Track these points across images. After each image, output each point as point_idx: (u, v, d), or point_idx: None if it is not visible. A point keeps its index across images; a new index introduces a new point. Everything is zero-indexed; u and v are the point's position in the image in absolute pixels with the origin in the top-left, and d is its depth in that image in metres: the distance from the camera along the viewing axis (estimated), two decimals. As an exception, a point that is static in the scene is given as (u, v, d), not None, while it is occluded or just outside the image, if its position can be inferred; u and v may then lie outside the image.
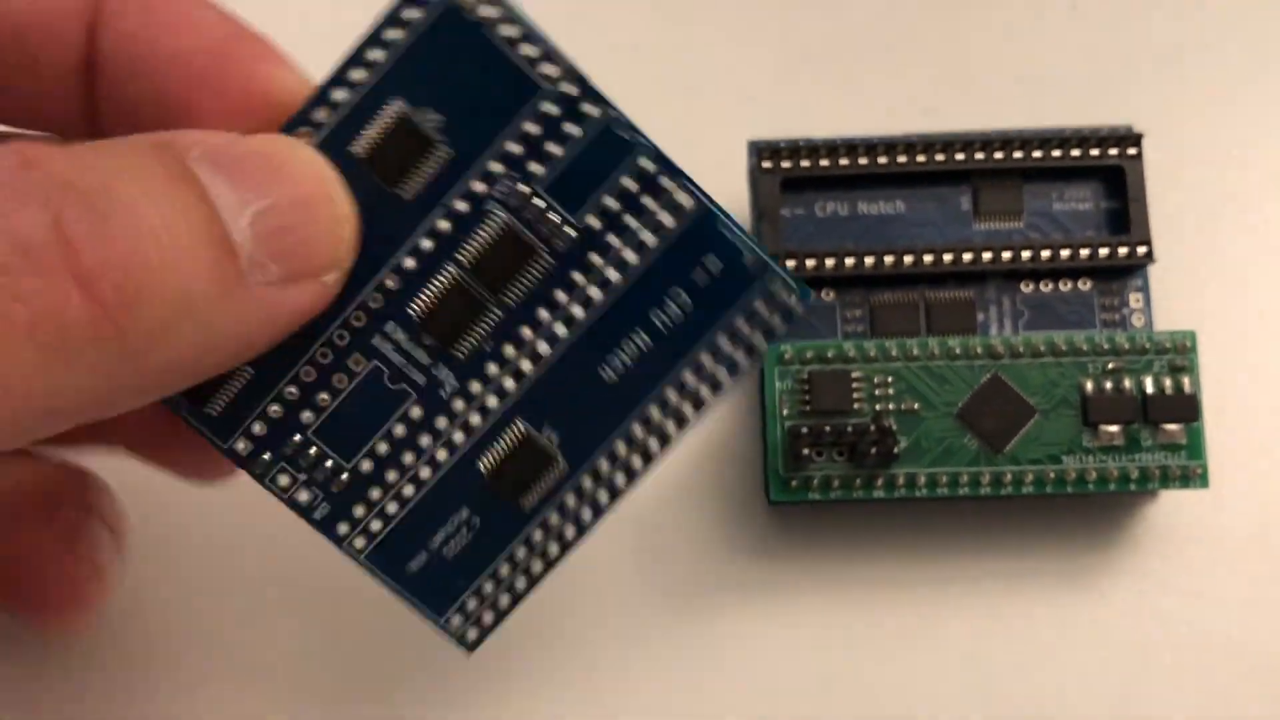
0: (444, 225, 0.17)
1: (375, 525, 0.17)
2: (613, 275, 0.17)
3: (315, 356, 0.17)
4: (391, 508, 0.17)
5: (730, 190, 0.25)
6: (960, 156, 0.23)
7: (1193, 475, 0.22)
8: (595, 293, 0.17)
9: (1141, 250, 0.23)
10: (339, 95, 0.16)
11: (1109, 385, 0.22)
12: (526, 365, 0.17)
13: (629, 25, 0.28)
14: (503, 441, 0.17)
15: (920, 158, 0.23)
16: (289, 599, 0.23)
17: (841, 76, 0.27)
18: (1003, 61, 0.26)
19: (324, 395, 0.17)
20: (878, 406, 0.22)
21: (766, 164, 0.23)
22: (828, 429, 0.21)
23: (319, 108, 0.16)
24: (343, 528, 0.17)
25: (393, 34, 0.16)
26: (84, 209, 0.13)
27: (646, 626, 0.23)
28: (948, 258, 0.23)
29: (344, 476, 0.17)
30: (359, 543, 0.17)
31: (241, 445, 0.17)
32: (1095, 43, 0.26)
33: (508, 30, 0.16)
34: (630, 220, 0.17)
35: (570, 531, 0.17)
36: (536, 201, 0.17)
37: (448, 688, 0.22)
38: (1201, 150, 0.26)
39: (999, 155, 0.23)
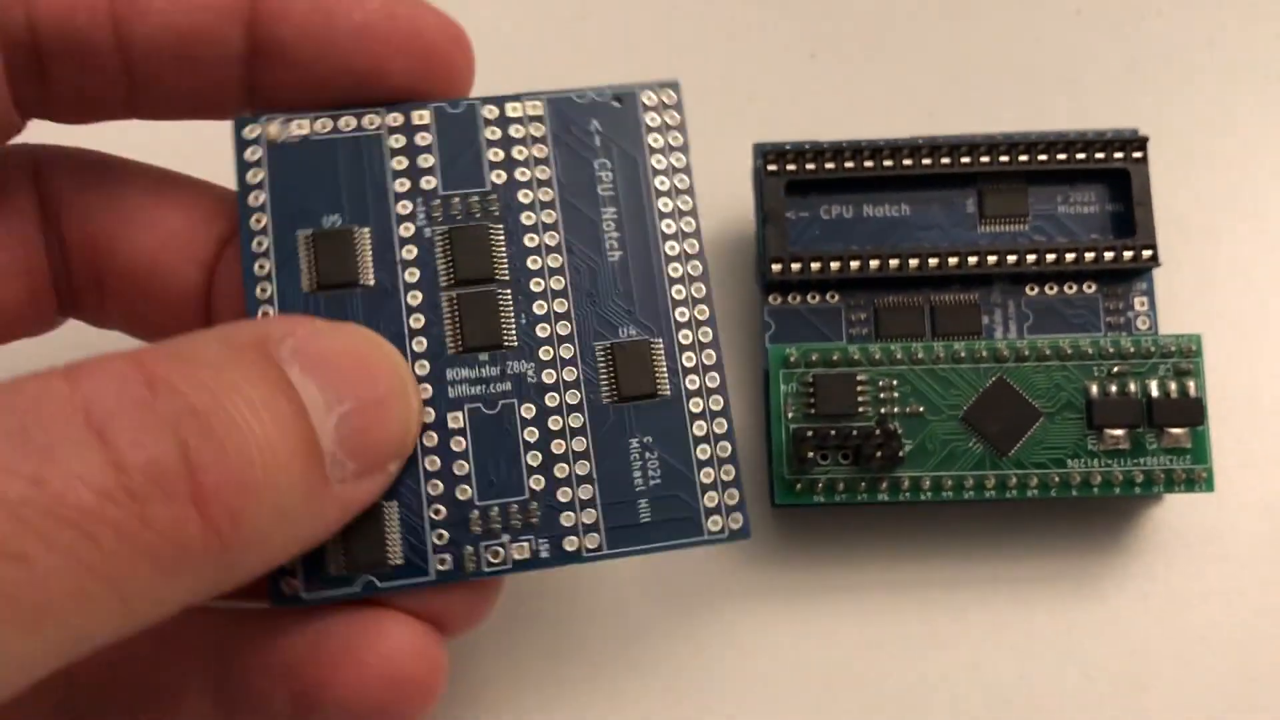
0: (412, 275, 0.18)
1: (588, 518, 0.18)
2: (545, 194, 0.19)
3: (424, 446, 0.18)
4: (585, 493, 0.18)
5: (735, 193, 0.25)
6: (965, 160, 0.23)
7: (1198, 479, 0.22)
8: (548, 215, 0.19)
9: (1146, 253, 0.23)
10: (260, 262, 0.18)
11: (1114, 389, 0.22)
12: (561, 304, 0.19)
13: (634, 29, 0.28)
14: (603, 369, 0.19)
15: (925, 161, 0.23)
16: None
17: (847, 80, 0.27)
18: (1008, 65, 0.26)
19: (460, 464, 0.18)
20: (882, 409, 0.22)
21: (772, 167, 0.23)
22: (832, 432, 0.21)
23: (257, 282, 0.18)
24: (570, 544, 0.18)
25: (254, 191, 0.19)
26: (204, 434, 0.14)
27: (651, 628, 0.23)
28: (952, 261, 0.23)
29: (533, 506, 0.18)
30: (592, 543, 0.18)
31: (442, 561, 0.18)
32: (1100, 47, 0.26)
33: (318, 127, 0.19)
34: (518, 152, 0.19)
35: (711, 380, 0.19)
36: (452, 199, 0.19)
37: (454, 687, 0.22)
38: (1207, 154, 0.26)
39: (1004, 159, 0.23)
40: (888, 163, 0.23)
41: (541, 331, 0.19)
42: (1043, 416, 0.22)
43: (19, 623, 0.13)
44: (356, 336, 0.17)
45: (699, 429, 0.19)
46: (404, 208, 0.19)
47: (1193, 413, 0.21)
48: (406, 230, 0.19)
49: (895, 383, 0.22)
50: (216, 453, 0.14)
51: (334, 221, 0.18)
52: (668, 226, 0.19)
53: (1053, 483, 0.21)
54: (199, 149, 0.20)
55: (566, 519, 0.18)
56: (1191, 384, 0.22)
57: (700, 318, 0.19)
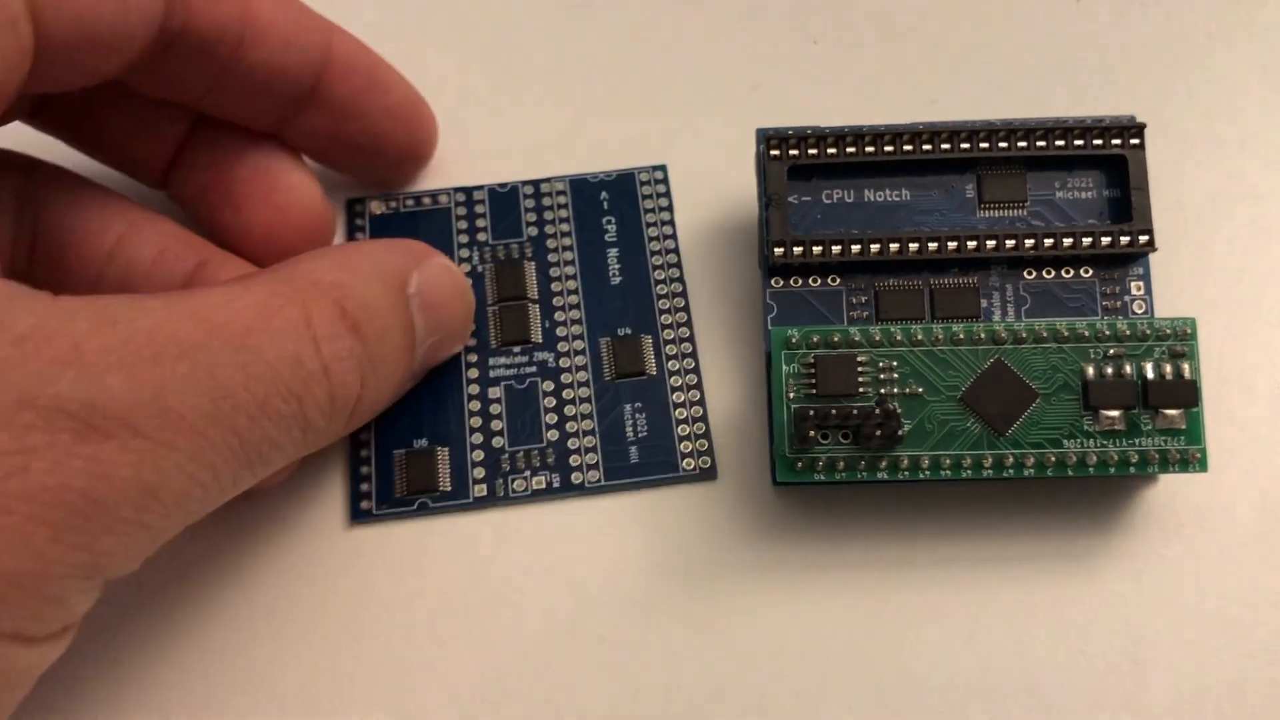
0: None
1: (591, 459, 0.24)
2: (566, 241, 0.26)
3: (470, 411, 0.24)
4: (589, 442, 0.24)
5: (739, 177, 0.25)
6: (965, 145, 0.24)
7: (1191, 459, 0.22)
8: (568, 255, 0.26)
9: (1143, 239, 0.23)
10: None
11: (1110, 371, 0.22)
12: (575, 314, 0.25)
13: (640, 16, 0.28)
14: (605, 355, 0.25)
15: (925, 146, 0.24)
16: (291, 600, 0.24)
17: (849, 67, 0.27)
18: (1008, 52, 0.27)
19: (496, 423, 0.24)
20: (882, 390, 0.22)
21: (775, 152, 0.24)
22: (833, 412, 0.22)
23: None
24: (575, 478, 0.24)
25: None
26: (373, 372, 0.21)
27: (654, 604, 0.23)
28: (952, 245, 0.23)
29: (548, 451, 0.24)
30: (593, 478, 0.24)
31: (479, 489, 0.24)
32: (1099, 34, 0.27)
33: (407, 204, 0.26)
34: (547, 214, 0.26)
35: (688, 363, 0.25)
36: (498, 247, 0.26)
37: (456, 664, 0.23)
38: (1204, 140, 0.26)
39: (1003, 144, 0.24)
40: (888, 148, 0.24)
41: (560, 331, 0.25)
42: (1039, 397, 0.22)
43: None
44: (459, 286, 0.23)
45: (677, 398, 0.24)
46: (464, 253, 0.26)
47: (1187, 394, 0.22)
48: (465, 268, 0.26)
49: (895, 364, 0.22)
50: (374, 385, 0.21)
51: None
52: (656, 260, 0.26)
53: (1049, 462, 0.22)
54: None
55: (574, 460, 0.24)
56: (1186, 366, 0.22)
57: (680, 321, 0.25)
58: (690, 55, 0.28)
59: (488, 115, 0.27)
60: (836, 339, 0.22)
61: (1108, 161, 0.24)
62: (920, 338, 0.22)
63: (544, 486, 0.24)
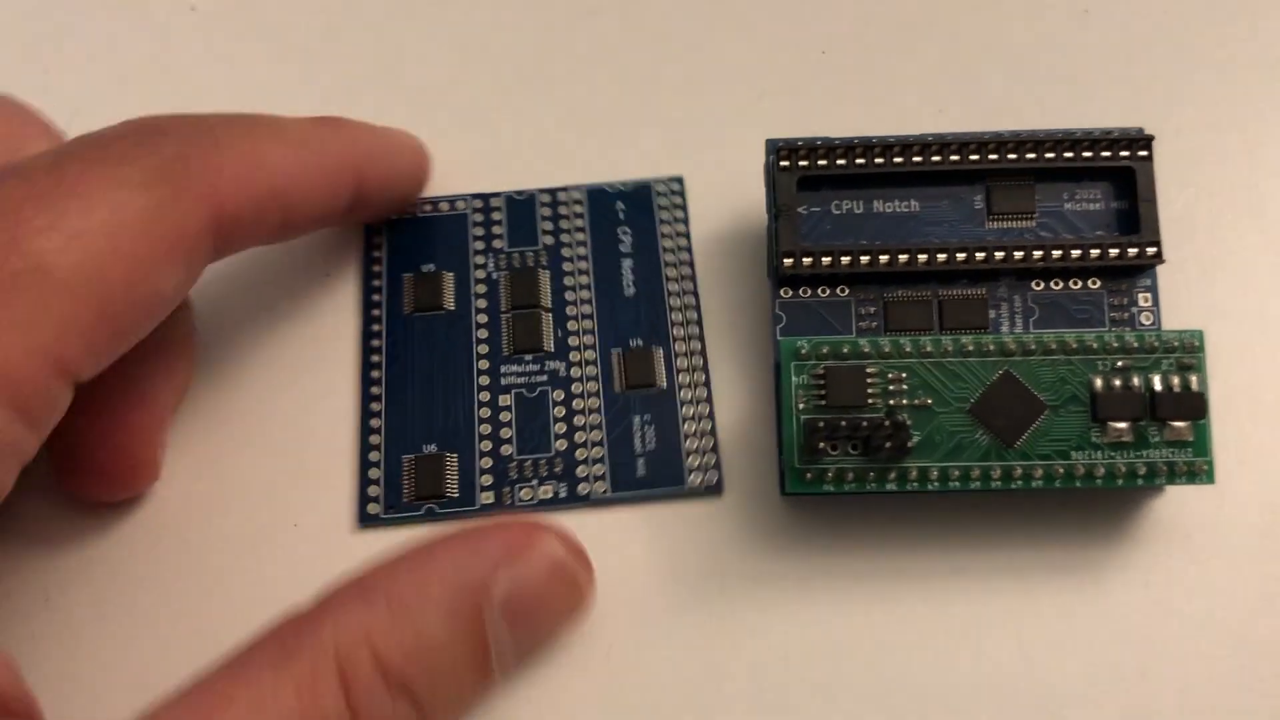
0: (481, 304, 0.26)
1: (598, 470, 0.24)
2: (581, 250, 0.26)
3: (480, 417, 0.24)
4: (597, 452, 0.24)
5: (748, 187, 0.25)
6: (974, 157, 0.24)
7: (1199, 471, 0.22)
8: (583, 264, 0.26)
9: (1151, 250, 0.23)
10: (374, 296, 0.26)
11: (1118, 382, 0.22)
12: (588, 324, 0.25)
13: (649, 26, 0.28)
14: (616, 367, 0.25)
15: (935, 158, 0.24)
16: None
17: (858, 77, 0.27)
18: (1017, 64, 0.27)
19: (505, 430, 0.24)
20: (891, 401, 0.22)
21: (784, 163, 0.24)
22: (842, 423, 0.22)
23: (373, 306, 0.26)
24: (583, 489, 0.24)
25: (375, 250, 0.26)
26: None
27: (662, 615, 0.23)
28: (960, 256, 0.23)
29: (557, 460, 0.24)
30: (600, 489, 0.24)
31: (486, 496, 0.24)
32: (1108, 46, 0.27)
33: (425, 208, 0.27)
34: (564, 223, 0.26)
35: (699, 376, 0.25)
36: (514, 254, 0.26)
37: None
38: (1212, 152, 0.26)
39: (1012, 156, 0.24)
40: (898, 159, 0.24)
41: (572, 341, 0.25)
42: (1048, 409, 0.22)
43: None
44: (566, 579, 0.21)
45: (686, 411, 0.24)
46: (479, 260, 0.26)
47: (1195, 406, 0.22)
48: (480, 274, 0.26)
49: (904, 375, 0.22)
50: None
51: (429, 268, 0.26)
52: (670, 272, 0.26)
53: (1057, 474, 0.22)
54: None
55: (581, 471, 0.24)
56: (1194, 378, 0.22)
57: (691, 334, 0.25)
58: (699, 65, 0.28)
59: (506, 122, 0.27)
60: (846, 350, 0.22)
61: (1116, 173, 0.24)
62: (929, 349, 0.22)
63: (551, 496, 0.24)
